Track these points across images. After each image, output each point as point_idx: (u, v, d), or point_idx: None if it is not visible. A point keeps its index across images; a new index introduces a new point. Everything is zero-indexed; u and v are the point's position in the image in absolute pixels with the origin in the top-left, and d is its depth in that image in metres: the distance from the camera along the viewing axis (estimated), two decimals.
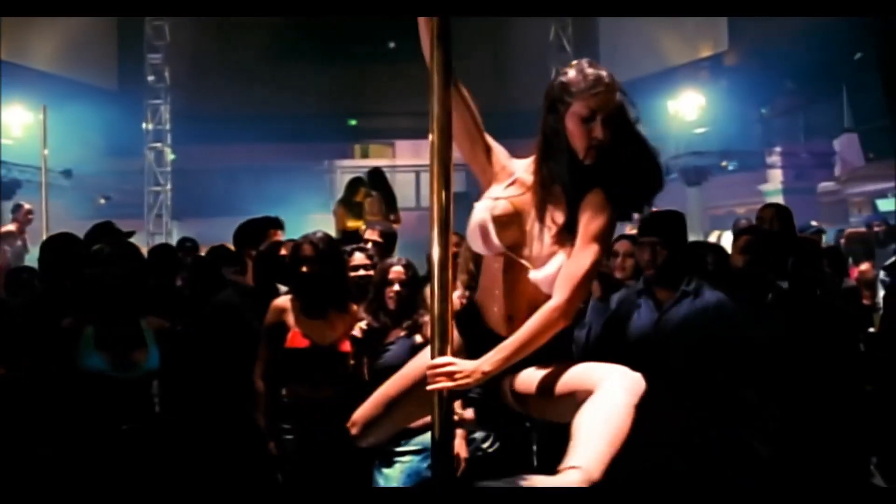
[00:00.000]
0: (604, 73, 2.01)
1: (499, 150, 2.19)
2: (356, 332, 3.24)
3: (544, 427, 2.94)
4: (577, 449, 1.76)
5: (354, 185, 6.94)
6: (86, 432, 2.74)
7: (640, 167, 2.02)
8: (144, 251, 4.90)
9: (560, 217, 2.03)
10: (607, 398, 1.81)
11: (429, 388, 1.92)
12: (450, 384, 1.89)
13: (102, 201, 12.12)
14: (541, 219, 2.06)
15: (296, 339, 3.20)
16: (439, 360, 1.91)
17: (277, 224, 3.66)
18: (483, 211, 2.08)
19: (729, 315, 3.06)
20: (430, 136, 1.92)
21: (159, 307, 3.31)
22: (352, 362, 3.25)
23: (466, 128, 2.12)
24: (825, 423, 3.26)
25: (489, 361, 1.94)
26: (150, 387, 2.86)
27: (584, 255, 1.97)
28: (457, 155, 2.03)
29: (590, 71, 2.01)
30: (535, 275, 2.02)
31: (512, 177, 2.14)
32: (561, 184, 2.03)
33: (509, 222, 2.08)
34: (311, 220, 7.56)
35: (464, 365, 1.91)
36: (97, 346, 2.78)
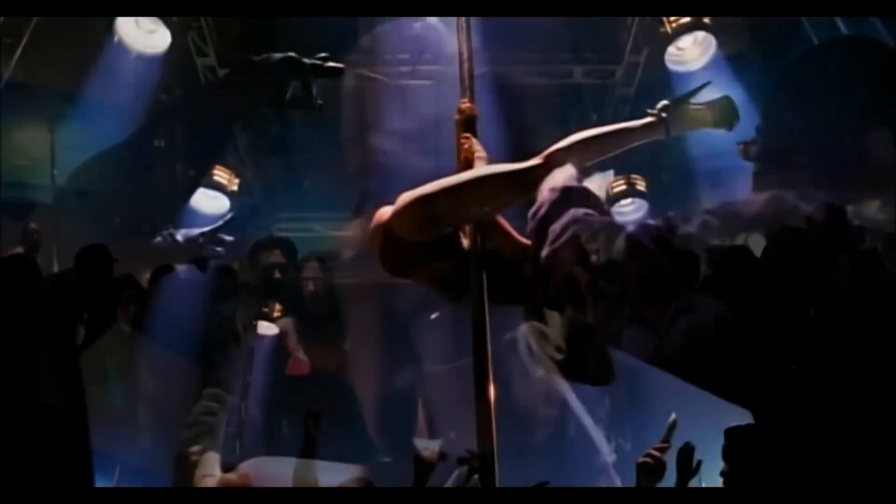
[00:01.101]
0: None
1: None
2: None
3: None
4: None
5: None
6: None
7: None
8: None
9: None
10: None
11: None
12: None
13: (118, 221, 12.08)
14: None
15: (297, 365, 3.05)
16: None
17: (272, 244, 3.49)
18: None
19: (729, 324, 2.82)
20: None
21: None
22: None
23: None
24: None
25: None
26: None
27: None
28: None
29: None
30: None
31: None
32: None
33: None
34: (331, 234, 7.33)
35: None
36: (52, 377, 2.63)
